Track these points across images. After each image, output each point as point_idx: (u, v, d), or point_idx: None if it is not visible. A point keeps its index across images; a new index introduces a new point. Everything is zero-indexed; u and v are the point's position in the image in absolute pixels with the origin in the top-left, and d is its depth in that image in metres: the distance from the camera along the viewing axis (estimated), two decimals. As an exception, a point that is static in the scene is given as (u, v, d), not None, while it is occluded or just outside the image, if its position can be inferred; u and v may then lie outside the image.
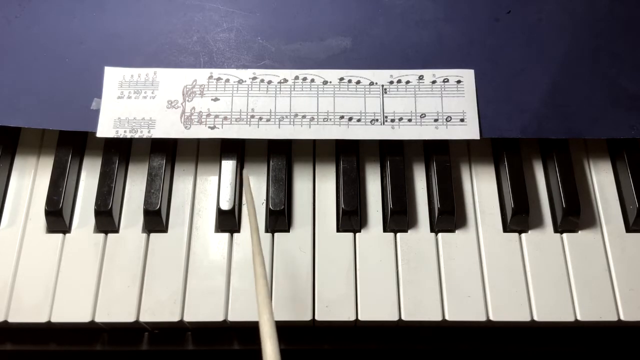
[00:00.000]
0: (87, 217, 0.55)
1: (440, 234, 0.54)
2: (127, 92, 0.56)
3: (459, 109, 0.56)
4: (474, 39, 0.58)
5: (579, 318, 0.51)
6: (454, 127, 0.55)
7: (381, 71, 0.57)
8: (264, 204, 0.55)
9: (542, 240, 0.54)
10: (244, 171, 0.55)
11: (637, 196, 0.54)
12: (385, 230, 0.54)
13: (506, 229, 0.55)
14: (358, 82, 0.57)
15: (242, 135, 0.55)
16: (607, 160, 0.58)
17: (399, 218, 0.54)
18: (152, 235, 0.54)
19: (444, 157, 0.56)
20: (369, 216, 0.55)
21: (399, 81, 0.57)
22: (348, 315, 0.51)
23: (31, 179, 0.56)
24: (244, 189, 0.53)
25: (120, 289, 0.52)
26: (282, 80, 0.57)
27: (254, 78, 0.57)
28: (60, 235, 0.54)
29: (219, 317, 0.51)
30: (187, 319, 0.51)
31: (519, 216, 0.54)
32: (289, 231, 0.54)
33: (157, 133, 0.55)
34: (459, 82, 0.57)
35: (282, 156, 0.56)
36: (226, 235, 0.54)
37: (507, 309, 0.51)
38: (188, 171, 0.57)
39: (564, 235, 0.54)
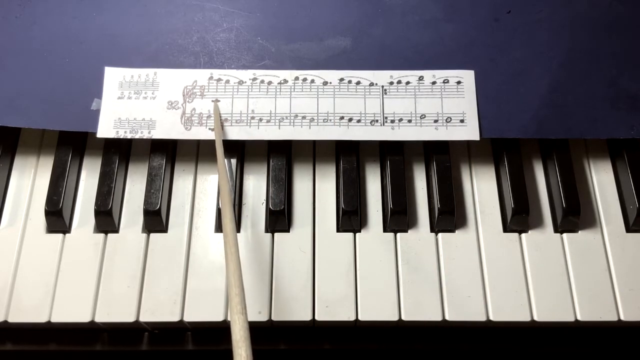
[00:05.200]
0: (87, 217, 0.55)
1: (440, 234, 0.54)
2: (128, 93, 0.56)
3: (459, 110, 0.56)
4: (474, 39, 0.58)
5: (579, 318, 0.51)
6: (453, 128, 0.55)
7: (381, 72, 0.57)
8: (264, 204, 0.55)
9: (542, 240, 0.54)
10: (214, 101, 0.55)
11: (637, 196, 0.54)
12: (385, 230, 0.54)
13: (506, 229, 0.55)
14: (358, 83, 0.57)
15: (242, 137, 0.55)
16: (607, 160, 0.58)
17: (399, 218, 0.54)
18: (152, 235, 0.54)
19: (444, 157, 0.56)
20: (369, 216, 0.55)
21: (399, 82, 0.57)
22: (348, 315, 0.51)
23: (31, 179, 0.56)
24: (214, 118, 0.54)
25: (120, 289, 0.52)
26: (282, 81, 0.57)
27: (254, 79, 0.57)
28: (60, 235, 0.54)
29: (219, 317, 0.51)
30: (187, 319, 0.51)
31: (519, 216, 0.54)
32: (289, 231, 0.54)
33: (158, 134, 0.55)
34: (459, 82, 0.57)
35: (282, 156, 0.56)
36: (226, 235, 0.54)
37: (507, 309, 0.51)
38: (188, 171, 0.57)
39: (564, 235, 0.54)
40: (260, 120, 0.55)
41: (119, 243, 0.54)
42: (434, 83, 0.57)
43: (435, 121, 0.55)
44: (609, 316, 0.51)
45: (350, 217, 0.54)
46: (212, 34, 0.59)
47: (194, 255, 0.53)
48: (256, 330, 0.52)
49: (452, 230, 0.54)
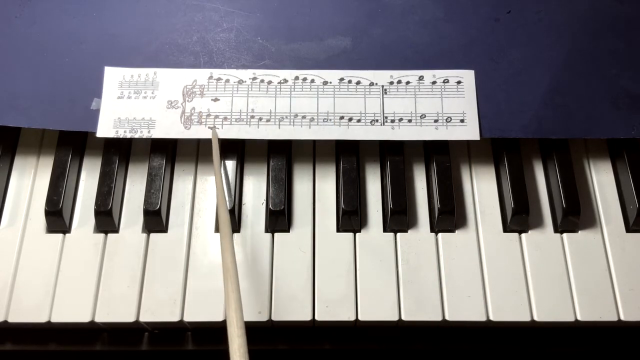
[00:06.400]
0: (87, 217, 0.55)
1: (440, 234, 0.54)
2: (127, 92, 0.56)
3: (459, 110, 0.56)
4: (474, 39, 0.58)
5: (579, 318, 0.51)
6: (453, 128, 0.55)
7: (381, 72, 0.57)
8: (264, 204, 0.55)
9: (542, 240, 0.54)
10: (213, 129, 0.55)
11: (637, 196, 0.54)
12: (385, 230, 0.54)
13: (506, 229, 0.55)
14: (358, 83, 0.57)
15: (242, 136, 0.55)
16: (607, 160, 0.58)
17: (399, 218, 0.54)
18: (152, 235, 0.54)
19: (444, 157, 0.56)
20: (369, 216, 0.55)
21: (399, 82, 0.57)
22: (348, 315, 0.51)
23: (31, 179, 0.56)
24: (212, 148, 0.53)
25: (120, 289, 0.52)
26: (282, 81, 0.57)
27: (254, 78, 0.57)
28: (60, 235, 0.54)
29: (219, 317, 0.51)
30: (187, 319, 0.51)
31: (519, 216, 0.54)
32: (289, 231, 0.54)
33: (157, 133, 0.55)
34: (459, 82, 0.57)
35: (282, 156, 0.56)
36: (226, 235, 0.54)
37: (507, 309, 0.51)
38: (188, 171, 0.57)
39: (564, 235, 0.54)
40: (260, 119, 0.55)
41: (119, 243, 0.54)
42: (434, 83, 0.57)
43: (436, 121, 0.55)
44: (609, 316, 0.51)
45: (350, 217, 0.54)
46: (212, 34, 0.59)
47: (194, 255, 0.53)
48: (256, 330, 0.52)
49: (452, 230, 0.54)
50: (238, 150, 0.56)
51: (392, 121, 0.55)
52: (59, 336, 0.54)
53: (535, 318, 0.51)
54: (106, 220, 0.54)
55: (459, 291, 0.52)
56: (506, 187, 0.55)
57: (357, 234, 0.54)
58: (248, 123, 0.55)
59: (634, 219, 0.54)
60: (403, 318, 0.51)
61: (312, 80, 0.57)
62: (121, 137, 0.55)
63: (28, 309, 0.51)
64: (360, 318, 0.51)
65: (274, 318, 0.51)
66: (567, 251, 0.54)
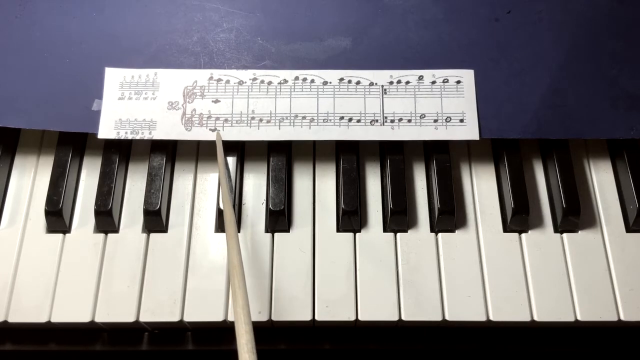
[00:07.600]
0: (87, 217, 0.55)
1: (440, 234, 0.54)
2: (128, 93, 0.56)
3: (459, 110, 0.56)
4: (474, 39, 0.58)
5: (579, 318, 0.51)
6: (453, 128, 0.55)
7: (381, 71, 0.57)
8: (264, 204, 0.55)
9: (542, 240, 0.54)
10: (217, 131, 0.55)
11: (637, 196, 0.54)
12: (385, 230, 0.54)
13: (506, 229, 0.55)
14: (358, 83, 0.57)
15: (243, 138, 0.55)
16: (607, 160, 0.58)
17: (399, 218, 0.54)
18: (152, 235, 0.54)
19: (444, 157, 0.56)
20: (369, 216, 0.55)
21: (399, 82, 0.57)
22: (348, 315, 0.51)
23: (31, 179, 0.56)
24: (217, 150, 0.53)
25: (120, 289, 0.52)
26: (282, 81, 0.57)
27: (254, 79, 0.57)
28: (60, 235, 0.54)
29: (219, 317, 0.51)
30: (187, 319, 0.51)
31: (519, 216, 0.54)
32: (289, 231, 0.54)
33: (158, 134, 0.55)
34: (458, 82, 0.57)
35: (282, 156, 0.56)
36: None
37: (507, 309, 0.51)
38: (188, 171, 0.57)
39: (564, 235, 0.54)
40: (261, 120, 0.55)
41: (119, 243, 0.54)
42: (433, 83, 0.57)
43: (435, 121, 0.55)
44: (609, 316, 0.51)
45: (350, 217, 0.54)
46: (212, 34, 0.59)
47: (194, 255, 0.53)
48: (256, 330, 0.52)
49: (452, 230, 0.54)
50: (238, 150, 0.56)
51: (392, 121, 0.55)
52: (59, 336, 0.54)
53: (535, 318, 0.51)
54: (106, 220, 0.54)
55: (459, 291, 0.52)
56: (506, 187, 0.55)
57: (357, 234, 0.54)
58: (249, 124, 0.55)
59: (634, 219, 0.54)
60: (403, 318, 0.51)
61: (312, 81, 0.57)
62: (122, 138, 0.55)
63: (28, 309, 0.51)
64: (360, 318, 0.51)
65: (274, 318, 0.51)
66: (567, 251, 0.54)
